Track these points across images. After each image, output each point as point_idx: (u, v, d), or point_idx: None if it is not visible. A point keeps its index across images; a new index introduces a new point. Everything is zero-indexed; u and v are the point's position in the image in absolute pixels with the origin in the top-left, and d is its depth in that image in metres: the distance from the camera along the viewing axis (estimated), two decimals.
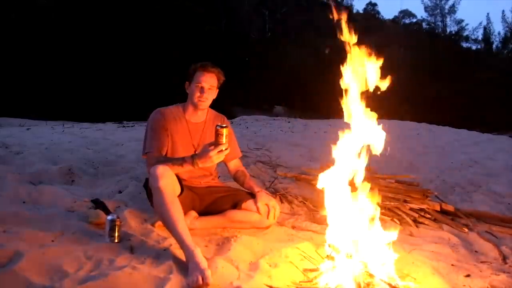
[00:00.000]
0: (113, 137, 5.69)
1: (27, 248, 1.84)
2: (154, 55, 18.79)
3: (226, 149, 2.02)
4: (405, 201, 3.02)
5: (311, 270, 1.92)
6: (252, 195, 2.47)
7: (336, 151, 2.02)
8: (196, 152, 2.33)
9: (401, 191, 3.24)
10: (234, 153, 2.54)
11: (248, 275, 1.82)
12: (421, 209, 2.95)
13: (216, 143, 2.01)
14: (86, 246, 1.96)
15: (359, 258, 1.81)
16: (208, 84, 2.31)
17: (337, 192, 1.97)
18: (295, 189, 3.40)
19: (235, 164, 2.58)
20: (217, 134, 2.00)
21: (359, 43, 2.00)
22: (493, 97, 24.84)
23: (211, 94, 2.35)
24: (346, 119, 2.04)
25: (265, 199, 2.42)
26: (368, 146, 1.98)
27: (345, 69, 2.02)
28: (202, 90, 2.31)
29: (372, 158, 2.02)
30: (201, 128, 2.44)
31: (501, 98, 24.53)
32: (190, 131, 2.40)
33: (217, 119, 2.52)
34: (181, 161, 2.15)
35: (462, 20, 37.29)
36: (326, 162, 2.09)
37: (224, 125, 2.02)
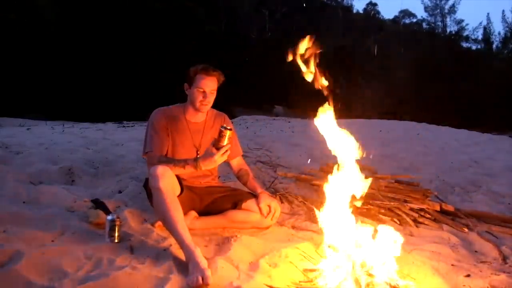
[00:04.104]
0: (113, 137, 5.69)
1: (27, 248, 1.84)
2: (154, 55, 18.80)
3: (226, 151, 2.07)
4: (405, 201, 3.02)
5: (311, 270, 1.92)
6: (253, 195, 2.48)
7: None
8: (199, 153, 2.34)
9: (401, 191, 3.24)
10: (236, 152, 2.55)
11: (248, 275, 1.82)
12: (421, 209, 2.95)
13: (217, 144, 2.04)
14: (86, 246, 1.95)
15: (359, 258, 1.81)
16: (210, 89, 2.31)
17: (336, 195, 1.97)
18: (295, 189, 3.40)
19: (238, 163, 2.58)
20: (220, 135, 2.04)
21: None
22: (493, 97, 24.86)
23: (213, 97, 2.35)
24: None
25: (267, 200, 2.42)
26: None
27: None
28: (204, 95, 2.30)
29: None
30: (202, 128, 2.44)
31: (501, 98, 24.54)
32: (191, 131, 2.40)
33: (218, 118, 2.52)
34: (184, 163, 2.15)
35: (462, 20, 37.35)
36: (326, 162, 2.09)
37: (229, 128, 2.05)
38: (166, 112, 2.39)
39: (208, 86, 2.30)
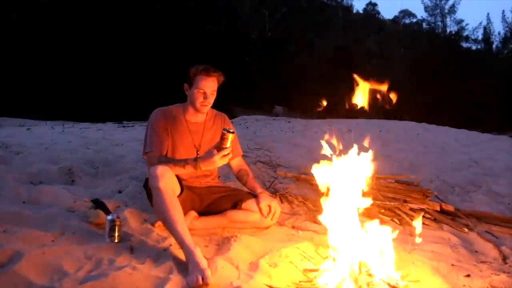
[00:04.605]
0: (113, 137, 5.69)
1: (27, 248, 1.84)
2: (154, 55, 18.80)
3: (228, 154, 2.07)
4: (405, 201, 3.03)
5: (311, 270, 1.92)
6: (253, 195, 2.48)
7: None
8: (199, 153, 2.35)
9: (401, 191, 3.24)
10: (236, 152, 2.54)
11: (248, 275, 1.82)
12: (421, 209, 2.95)
13: (219, 146, 2.04)
14: (86, 246, 1.96)
15: (359, 258, 1.81)
16: (210, 89, 2.31)
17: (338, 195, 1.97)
18: (295, 189, 3.40)
19: (237, 163, 2.59)
20: (222, 138, 2.04)
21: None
22: (493, 97, 24.83)
23: (213, 98, 2.36)
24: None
25: (267, 200, 2.42)
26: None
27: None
28: (205, 96, 2.30)
29: (372, 158, 2.03)
30: (202, 128, 2.44)
31: (501, 98, 24.53)
32: (191, 131, 2.41)
33: (218, 119, 2.51)
34: (184, 163, 2.16)
35: (462, 20, 37.27)
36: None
37: (231, 131, 2.05)
38: (166, 112, 2.39)
39: (209, 87, 2.30)
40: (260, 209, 2.39)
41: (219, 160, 2.07)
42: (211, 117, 2.49)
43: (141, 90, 17.56)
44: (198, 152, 2.37)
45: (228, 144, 2.04)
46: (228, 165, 2.59)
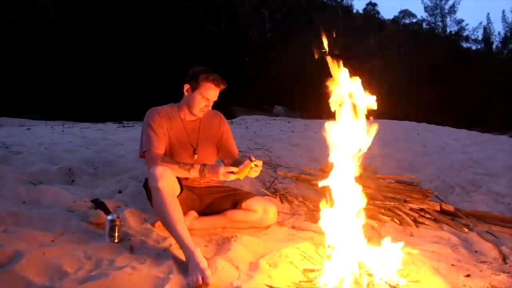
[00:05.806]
0: (113, 137, 5.68)
1: (27, 248, 1.84)
2: (154, 55, 18.81)
3: (237, 178, 2.13)
4: (405, 201, 3.02)
5: (311, 270, 1.92)
6: (253, 194, 2.48)
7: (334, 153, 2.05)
8: (196, 152, 2.35)
9: (401, 191, 3.24)
10: (232, 152, 2.52)
11: (248, 275, 1.82)
12: (421, 209, 2.95)
13: (235, 169, 2.10)
14: (86, 246, 1.95)
15: (358, 258, 1.81)
16: (214, 98, 2.33)
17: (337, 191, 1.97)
18: (295, 189, 3.40)
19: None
20: (244, 164, 2.10)
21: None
22: (493, 97, 24.86)
23: (212, 104, 2.37)
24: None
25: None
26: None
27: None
28: (207, 103, 2.31)
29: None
30: (197, 127, 2.42)
31: (501, 98, 24.55)
32: (187, 130, 2.39)
33: (215, 118, 2.50)
34: (189, 166, 2.17)
35: (462, 20, 37.40)
36: (326, 162, 2.09)
37: (255, 163, 2.10)
38: (161, 111, 2.37)
39: (214, 96, 2.32)
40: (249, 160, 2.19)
41: (222, 175, 2.12)
42: (207, 116, 2.47)
43: (141, 90, 17.57)
44: (196, 151, 2.37)
45: (243, 173, 2.10)
46: (222, 161, 2.56)
